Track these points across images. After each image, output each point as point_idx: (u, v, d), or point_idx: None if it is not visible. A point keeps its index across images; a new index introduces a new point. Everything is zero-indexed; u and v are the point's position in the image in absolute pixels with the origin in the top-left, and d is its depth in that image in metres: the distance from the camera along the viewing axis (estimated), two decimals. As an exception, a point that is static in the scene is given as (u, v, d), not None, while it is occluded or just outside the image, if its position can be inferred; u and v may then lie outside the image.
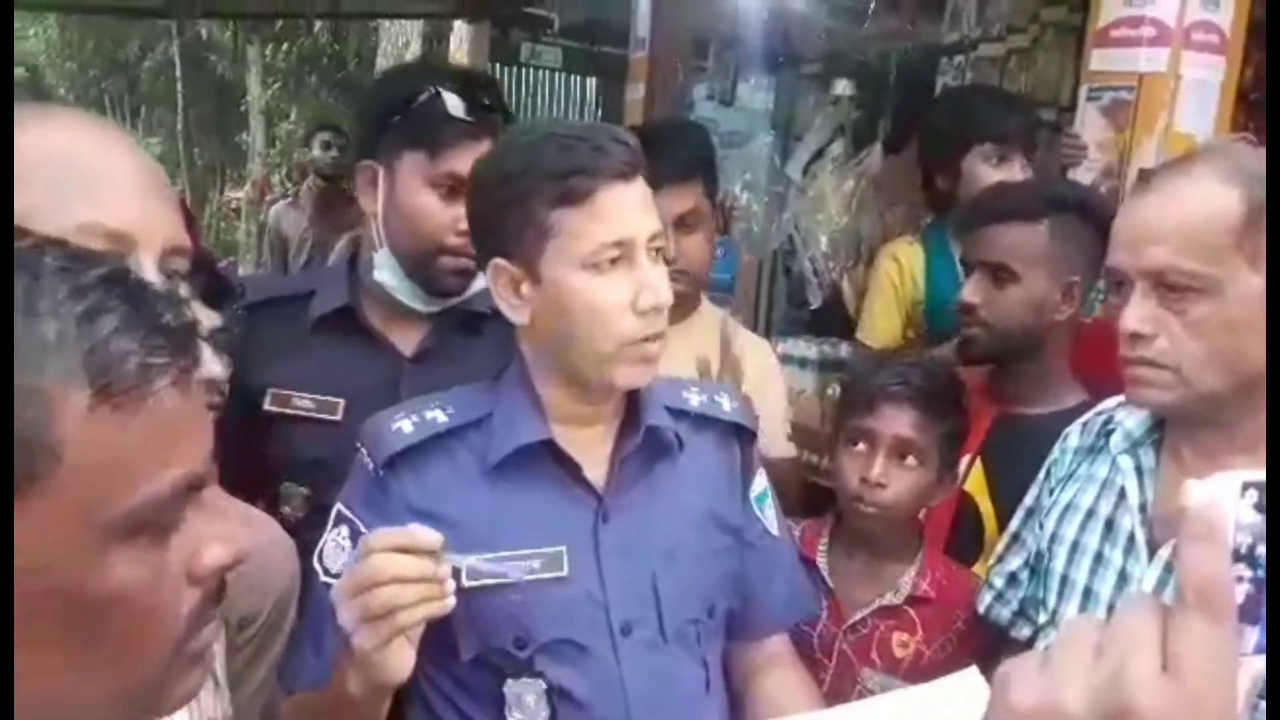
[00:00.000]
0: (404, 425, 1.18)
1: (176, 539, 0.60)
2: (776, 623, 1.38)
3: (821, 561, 1.64)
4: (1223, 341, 1.10)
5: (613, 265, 1.12)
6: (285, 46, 10.54)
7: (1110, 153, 2.10)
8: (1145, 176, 1.23)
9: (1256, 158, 1.14)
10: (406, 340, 1.57)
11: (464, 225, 1.44)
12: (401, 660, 0.99)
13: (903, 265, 2.32)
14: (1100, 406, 1.41)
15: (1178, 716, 0.40)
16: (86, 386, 0.54)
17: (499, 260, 1.15)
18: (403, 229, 1.52)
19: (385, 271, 1.55)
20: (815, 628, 1.58)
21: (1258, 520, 0.45)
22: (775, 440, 1.85)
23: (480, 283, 1.56)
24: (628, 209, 1.12)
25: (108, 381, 0.55)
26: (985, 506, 1.74)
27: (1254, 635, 0.46)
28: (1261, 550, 0.45)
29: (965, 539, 1.72)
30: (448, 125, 1.48)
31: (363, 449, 1.20)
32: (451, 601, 0.98)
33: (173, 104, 11.15)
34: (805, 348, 2.79)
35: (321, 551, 1.19)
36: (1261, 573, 0.46)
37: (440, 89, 1.49)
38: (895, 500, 1.57)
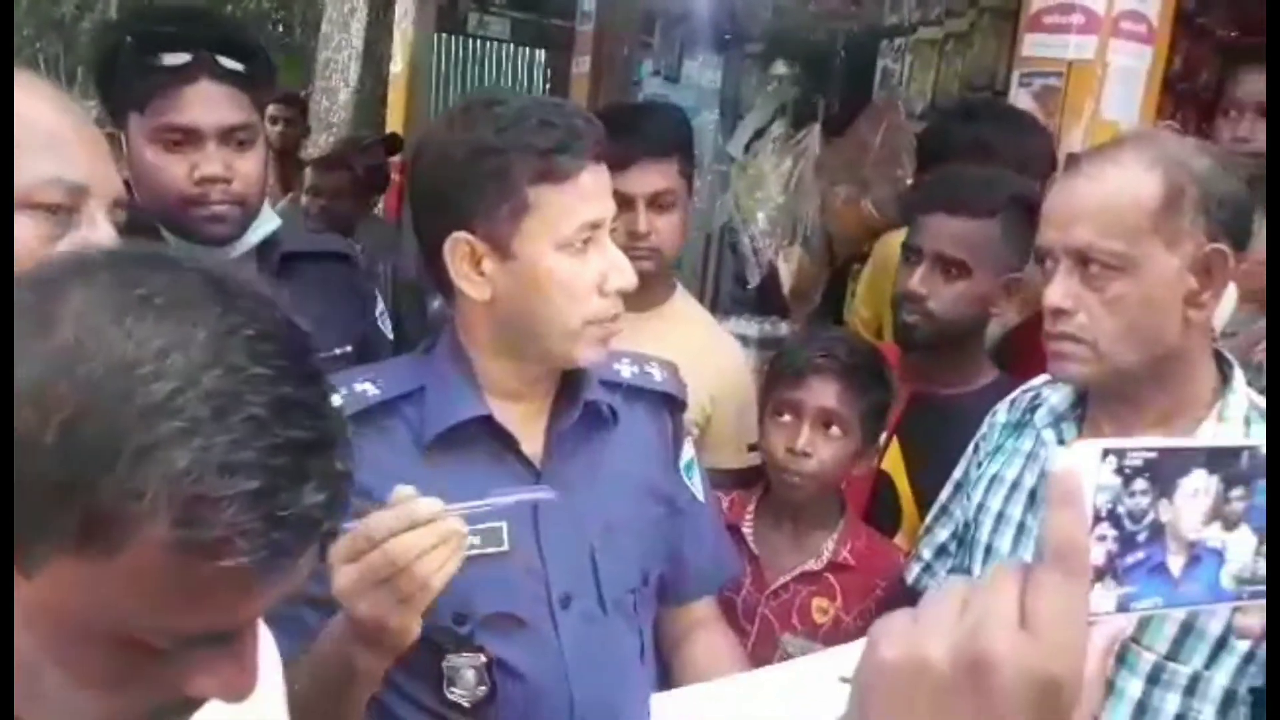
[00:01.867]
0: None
1: (178, 655, 0.56)
2: (704, 586, 1.40)
3: (747, 529, 1.68)
4: (1138, 318, 1.15)
5: (584, 245, 1.12)
6: (229, 9, 10.28)
7: (1042, 139, 2.15)
8: (1075, 160, 1.27)
9: (1179, 145, 1.20)
10: None
11: (198, 173, 1.42)
12: (409, 624, 0.98)
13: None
14: (1028, 384, 1.45)
15: (1030, 665, 0.43)
16: (168, 521, 0.50)
17: (461, 234, 1.12)
18: (144, 190, 1.46)
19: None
20: (739, 593, 1.62)
21: (1118, 483, 0.48)
22: (732, 450, 1.81)
23: (264, 227, 1.53)
24: (602, 190, 1.13)
25: (189, 534, 0.50)
26: (901, 484, 1.77)
27: (1115, 593, 0.49)
28: (1121, 510, 0.48)
29: (882, 515, 1.76)
30: (151, 75, 1.41)
31: None
32: (463, 554, 0.97)
33: (111, 66, 10.83)
34: (746, 325, 2.82)
35: None
36: (1122, 531, 0.49)
37: (138, 38, 1.43)
38: (820, 469, 1.61)
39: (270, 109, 4.61)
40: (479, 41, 5.53)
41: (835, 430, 1.61)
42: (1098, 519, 0.48)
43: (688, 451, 1.38)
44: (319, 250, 1.67)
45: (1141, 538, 0.49)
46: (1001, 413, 1.47)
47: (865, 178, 2.50)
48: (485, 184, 1.11)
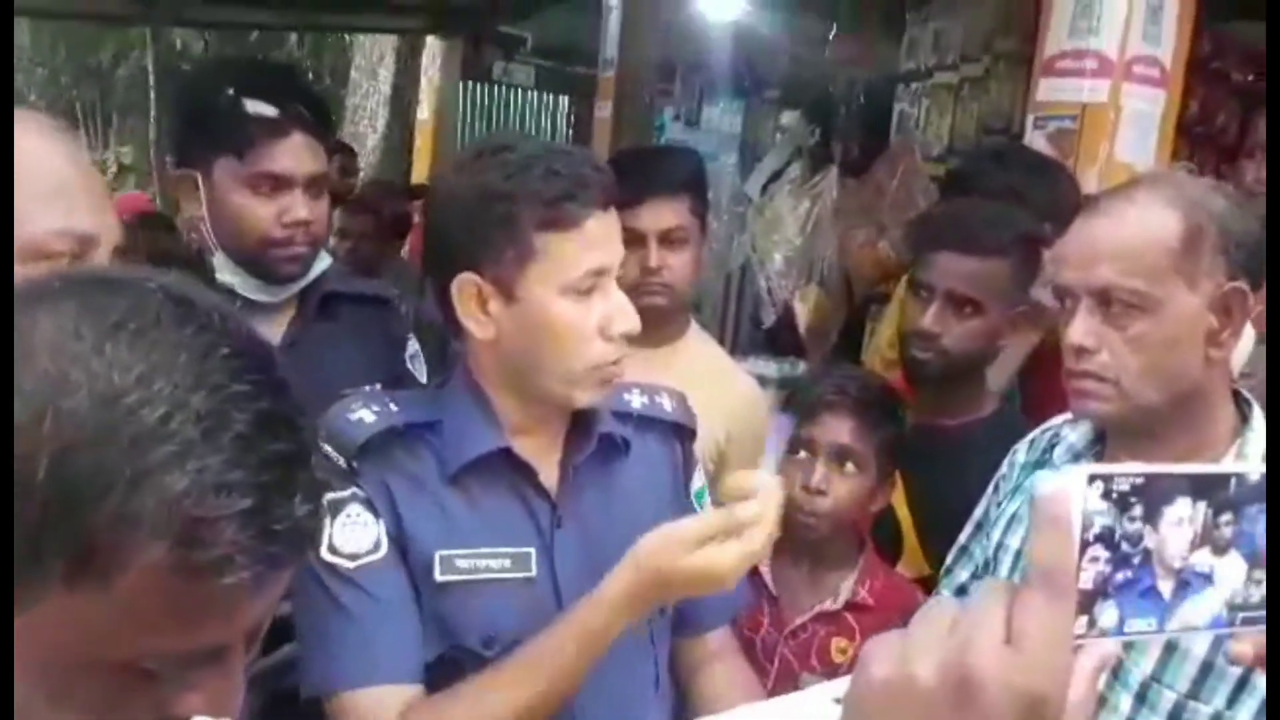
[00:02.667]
0: (364, 415, 1.18)
1: (167, 676, 0.56)
2: (719, 616, 1.40)
3: (765, 569, 1.68)
4: (1160, 357, 1.15)
5: (589, 291, 1.14)
6: (260, 59, 10.53)
7: (1055, 180, 2.17)
8: (1092, 200, 1.29)
9: (1195, 185, 1.21)
10: (271, 334, 1.59)
11: (287, 218, 1.55)
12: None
13: None
14: (1048, 424, 1.46)
15: (1016, 683, 0.44)
16: (167, 545, 0.50)
17: (468, 275, 1.15)
18: (230, 230, 1.58)
19: (226, 273, 1.60)
20: (758, 633, 1.62)
21: (1106, 508, 0.49)
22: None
23: (320, 265, 1.65)
24: (609, 237, 1.15)
25: (190, 556, 0.51)
26: (903, 513, 1.77)
27: (1105, 616, 0.50)
28: (1110, 534, 0.49)
29: (882, 545, 1.75)
30: (251, 125, 1.53)
31: (326, 447, 1.17)
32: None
33: (145, 113, 11.08)
34: (765, 366, 2.84)
35: (331, 544, 1.14)
36: (1114, 553, 0.49)
37: (238, 89, 1.54)
38: (835, 507, 1.61)
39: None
40: (504, 88, 5.64)
41: (850, 467, 1.61)
42: (1086, 543, 0.48)
43: (698, 480, 1.40)
44: (359, 293, 1.75)
45: (1132, 562, 0.50)
46: (1021, 452, 1.47)
47: (882, 220, 2.52)
48: (492, 229, 1.14)
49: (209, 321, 0.54)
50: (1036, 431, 1.46)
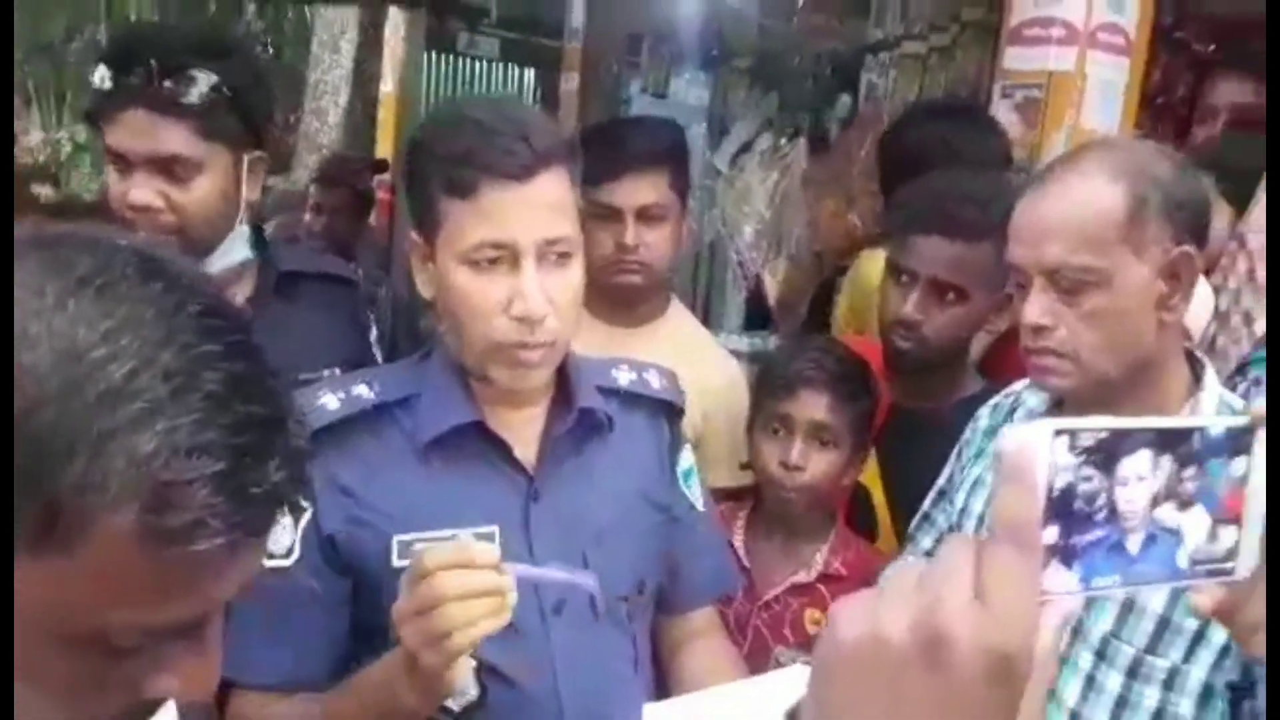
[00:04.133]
0: (329, 401, 1.17)
1: (141, 653, 0.54)
2: (703, 596, 1.40)
3: (738, 541, 1.69)
4: (1115, 328, 1.16)
5: (492, 265, 1.10)
6: (218, 32, 10.33)
7: (1022, 148, 2.18)
8: (1039, 175, 1.28)
9: (1138, 152, 1.20)
10: None
11: (132, 199, 1.42)
12: (465, 673, 1.00)
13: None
14: (1009, 389, 1.47)
15: (985, 638, 0.43)
16: (135, 509, 0.48)
17: (414, 234, 1.16)
18: (110, 209, 1.49)
19: None
20: (731, 605, 1.63)
21: (1072, 463, 0.49)
22: (725, 468, 1.79)
23: (236, 246, 1.53)
24: (514, 210, 1.09)
25: (161, 521, 0.49)
26: (878, 496, 1.77)
27: (1072, 571, 0.50)
28: (1076, 489, 0.49)
29: (857, 526, 1.75)
30: (102, 99, 1.44)
31: None
32: (508, 617, 0.98)
33: (100, 89, 10.84)
34: (737, 341, 2.85)
35: None
36: (1080, 507, 0.49)
37: (104, 58, 1.45)
38: (813, 482, 1.62)
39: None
40: (469, 60, 5.56)
41: (827, 442, 1.62)
42: (1051, 498, 0.48)
43: (686, 459, 1.38)
44: (320, 271, 1.69)
45: (1098, 517, 0.50)
46: (984, 417, 1.49)
47: (851, 190, 2.53)
48: (414, 188, 1.15)
49: (177, 280, 0.52)
50: (999, 396, 1.48)
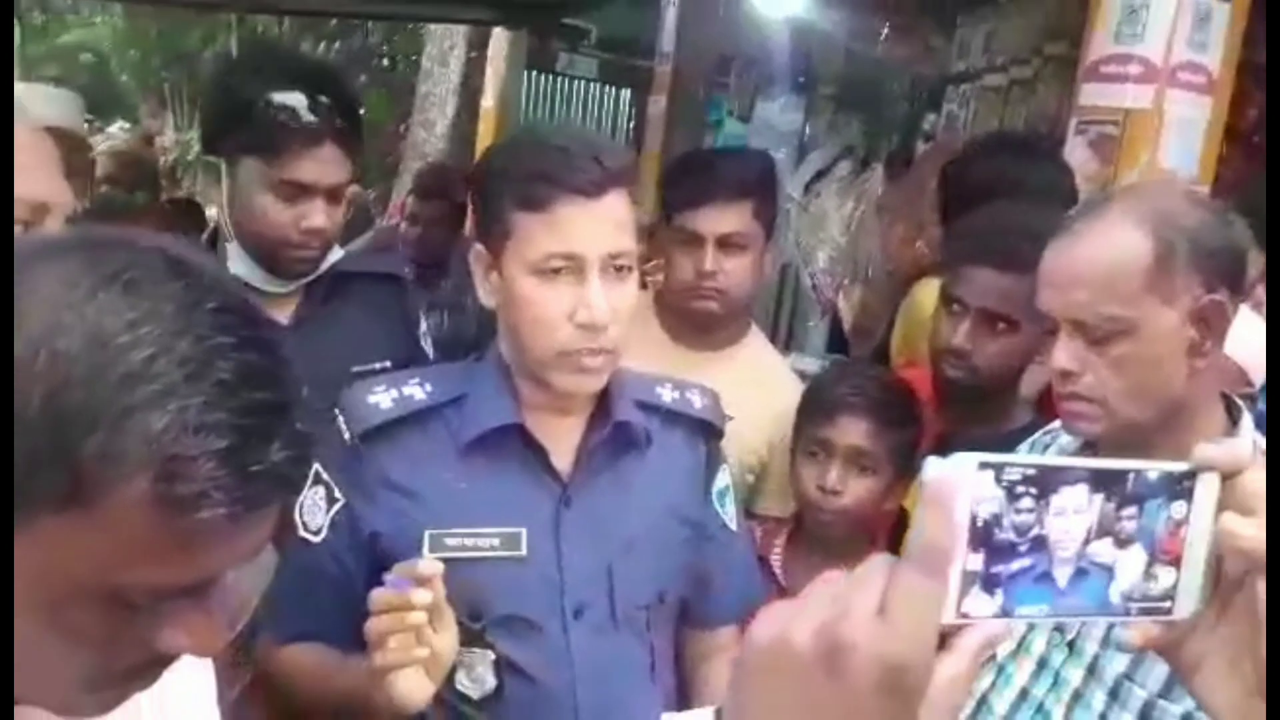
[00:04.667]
0: (383, 400, 1.23)
1: (150, 611, 0.59)
2: (729, 614, 1.41)
3: (776, 560, 1.71)
4: (1144, 376, 1.16)
5: (559, 275, 1.15)
6: (337, 45, 10.77)
7: (1096, 185, 2.15)
8: (1068, 219, 1.26)
9: (1168, 198, 1.20)
10: (279, 313, 1.62)
11: (305, 224, 1.54)
12: (411, 688, 1.06)
13: None
14: (1049, 427, 1.47)
15: (881, 649, 0.46)
16: (149, 479, 0.54)
17: (479, 246, 1.23)
18: (246, 225, 1.59)
19: (237, 262, 1.60)
20: (767, 623, 1.65)
21: (1000, 495, 0.51)
22: (779, 498, 1.80)
23: (334, 257, 1.66)
24: (584, 225, 1.15)
25: (167, 490, 0.54)
26: None
27: (995, 598, 0.52)
28: (1005, 520, 0.51)
29: (898, 553, 1.76)
30: (283, 132, 1.52)
31: (340, 417, 1.24)
32: (424, 653, 1.05)
33: (228, 95, 11.38)
34: (807, 363, 2.86)
35: (302, 506, 1.25)
36: (1004, 538, 0.52)
37: (277, 94, 1.52)
38: (851, 506, 1.63)
39: None
40: (567, 80, 5.70)
41: (866, 468, 1.63)
42: (976, 527, 0.51)
43: (723, 479, 1.41)
44: (369, 270, 1.77)
45: (1024, 548, 0.52)
46: (1023, 452, 1.49)
47: (922, 218, 2.53)
48: (485, 203, 1.21)
49: (199, 279, 0.58)
50: (1039, 433, 1.48)
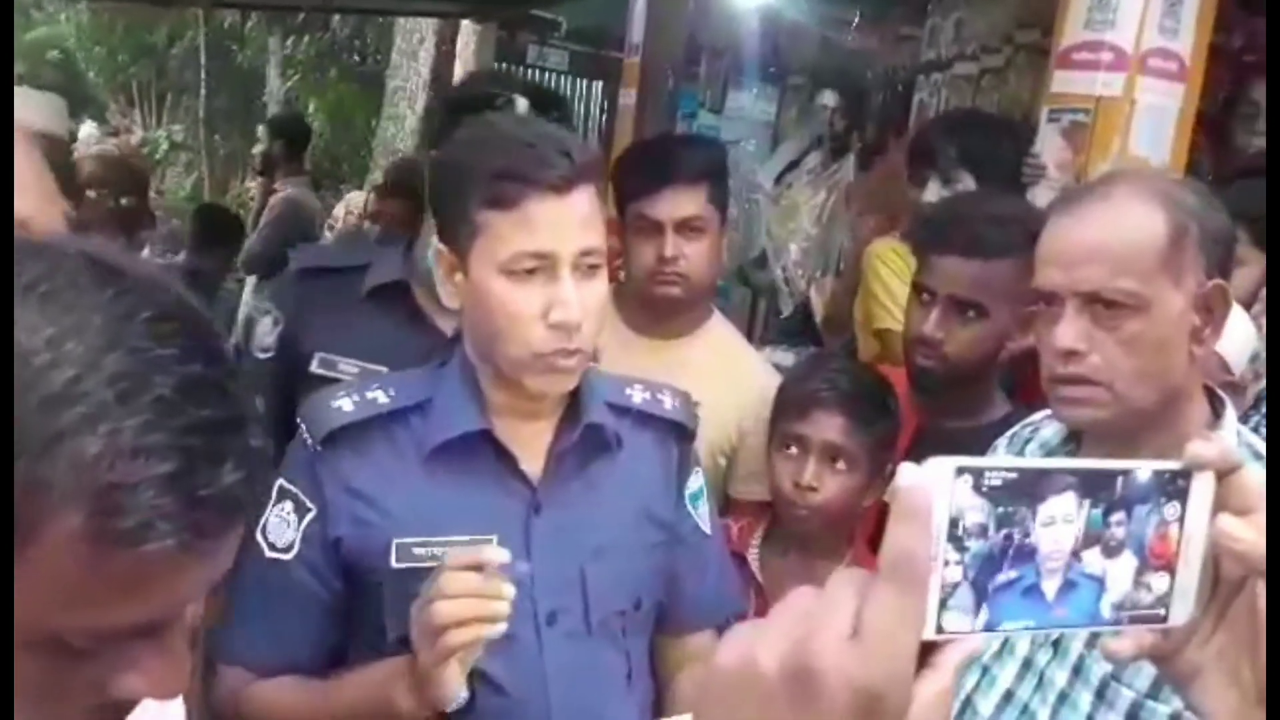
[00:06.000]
0: (344, 404, 1.20)
1: (103, 655, 0.54)
2: (703, 618, 1.39)
3: (753, 557, 1.69)
4: (1152, 358, 1.14)
5: (531, 275, 1.13)
6: (305, 39, 10.67)
7: (1068, 173, 2.15)
8: (1067, 198, 1.26)
9: (1170, 182, 1.20)
10: (448, 322, 1.58)
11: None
12: (454, 677, 1.04)
13: (902, 256, 2.21)
14: (1029, 419, 1.45)
15: (853, 674, 0.43)
16: (84, 511, 0.49)
17: (440, 246, 1.19)
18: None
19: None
20: (744, 621, 1.63)
21: (979, 503, 0.48)
22: (760, 481, 1.79)
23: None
24: (555, 222, 1.12)
25: (108, 523, 0.49)
26: None
27: (977, 613, 0.49)
28: (993, 528, 0.48)
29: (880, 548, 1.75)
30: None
31: (301, 425, 1.22)
32: (501, 628, 1.03)
33: (197, 92, 11.29)
34: (783, 355, 2.85)
35: (265, 526, 1.20)
36: (987, 548, 0.48)
37: (506, 107, 1.50)
38: (826, 503, 1.61)
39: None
40: (538, 72, 5.66)
41: (841, 464, 1.61)
42: (956, 538, 0.47)
43: (695, 481, 1.38)
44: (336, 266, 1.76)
45: (1009, 558, 0.49)
46: (1000, 449, 1.47)
47: (895, 208, 2.51)
48: (448, 201, 1.18)
49: (133, 286, 0.53)
50: (1018, 426, 1.45)
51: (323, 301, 1.63)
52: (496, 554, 1.01)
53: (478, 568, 1.01)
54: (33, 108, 2.48)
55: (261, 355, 1.72)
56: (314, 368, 1.60)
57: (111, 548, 0.49)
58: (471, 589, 1.00)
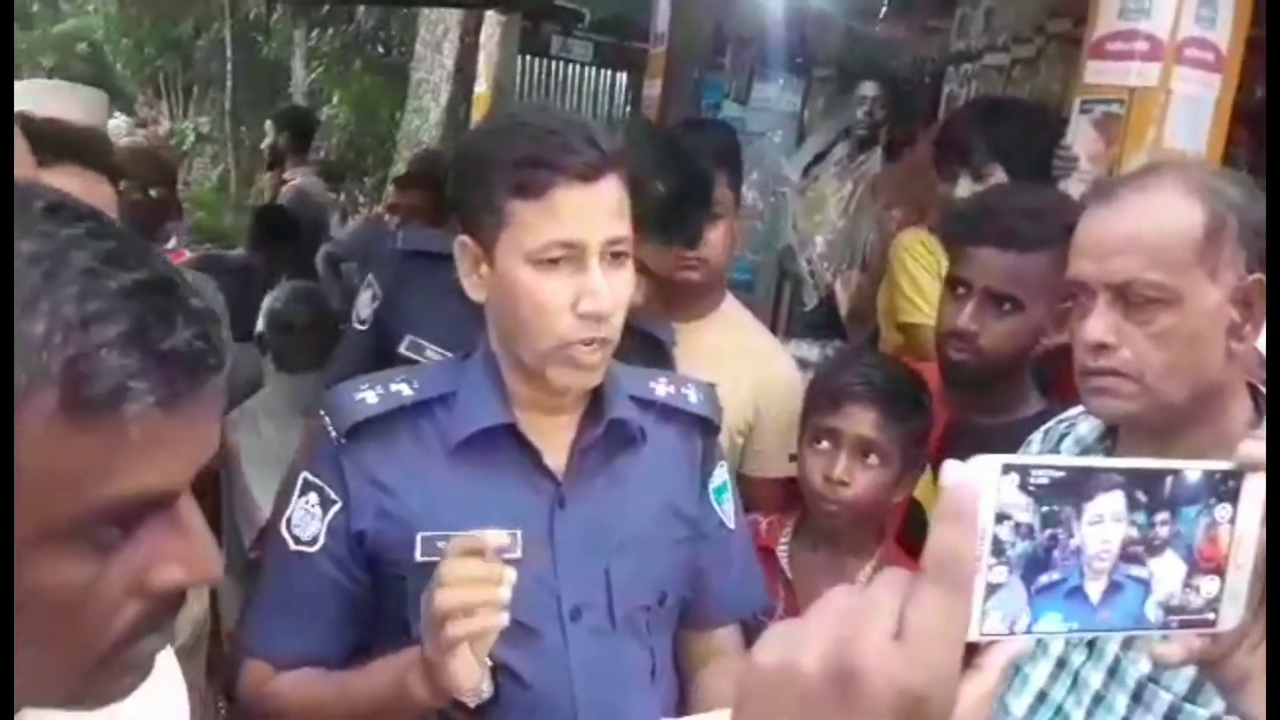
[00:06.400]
0: (368, 396, 1.20)
1: (128, 548, 0.55)
2: (727, 613, 1.39)
3: (782, 552, 1.69)
4: (1184, 352, 1.12)
5: (558, 264, 1.12)
6: (330, 31, 10.69)
7: (1100, 165, 2.12)
8: (1103, 188, 1.24)
9: (1212, 173, 1.17)
10: None
11: None
12: (466, 666, 1.02)
13: (930, 249, 2.23)
14: (1063, 415, 1.44)
15: (897, 677, 0.42)
16: (55, 391, 0.49)
17: (464, 238, 1.18)
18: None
19: None
20: (772, 618, 1.63)
21: (1025, 502, 0.47)
22: (775, 459, 1.84)
23: None
24: (583, 211, 1.11)
25: (80, 393, 0.50)
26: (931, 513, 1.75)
27: (1020, 614, 0.48)
28: (1039, 528, 0.47)
29: (911, 546, 1.71)
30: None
31: (325, 417, 1.21)
32: (505, 617, 1.00)
33: (223, 84, 11.35)
34: (808, 349, 2.84)
35: (290, 519, 1.20)
36: (1032, 549, 0.47)
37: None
38: (857, 498, 1.60)
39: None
40: (562, 64, 5.64)
41: (873, 459, 1.60)
42: (999, 538, 0.47)
43: (720, 476, 1.38)
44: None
45: (1054, 560, 0.48)
46: (1035, 444, 1.45)
47: (922, 200, 2.49)
48: (474, 192, 1.16)
49: (45, 193, 0.54)
50: (1052, 422, 1.44)
51: (419, 285, 1.64)
52: (494, 538, 1.00)
53: (478, 553, 1.00)
54: (79, 102, 2.50)
55: (359, 326, 1.75)
56: (403, 349, 1.62)
57: (94, 416, 0.50)
58: (470, 575, 0.99)
